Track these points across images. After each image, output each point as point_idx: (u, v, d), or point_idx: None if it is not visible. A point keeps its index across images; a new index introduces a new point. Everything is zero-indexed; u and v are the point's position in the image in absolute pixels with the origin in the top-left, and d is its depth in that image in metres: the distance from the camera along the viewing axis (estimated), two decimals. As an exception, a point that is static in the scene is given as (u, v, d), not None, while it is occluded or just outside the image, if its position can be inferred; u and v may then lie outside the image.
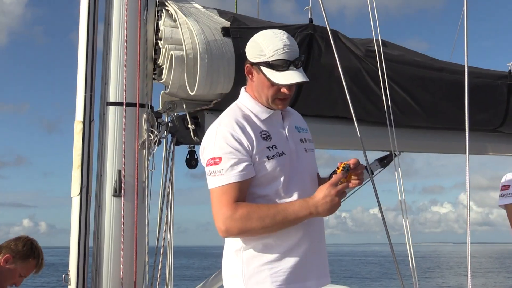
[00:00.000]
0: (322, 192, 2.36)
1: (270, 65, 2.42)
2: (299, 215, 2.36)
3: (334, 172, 2.43)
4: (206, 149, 2.46)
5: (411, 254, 3.56)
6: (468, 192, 2.41)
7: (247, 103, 2.54)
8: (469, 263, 2.22)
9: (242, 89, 2.61)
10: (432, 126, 4.62)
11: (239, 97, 2.60)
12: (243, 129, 2.41)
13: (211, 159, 2.40)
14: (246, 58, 2.57)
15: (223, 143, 2.39)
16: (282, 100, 2.50)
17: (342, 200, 2.39)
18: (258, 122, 2.48)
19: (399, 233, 3.72)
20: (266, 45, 2.44)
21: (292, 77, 2.42)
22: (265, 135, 2.46)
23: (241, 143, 2.38)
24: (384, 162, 4.56)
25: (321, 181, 2.63)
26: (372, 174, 4.48)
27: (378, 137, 4.09)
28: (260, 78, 2.48)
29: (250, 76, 2.54)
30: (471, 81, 4.51)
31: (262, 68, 2.44)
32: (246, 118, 2.48)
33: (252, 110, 2.51)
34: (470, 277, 2.29)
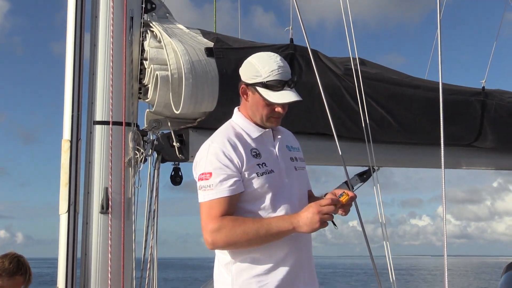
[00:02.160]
0: (307, 209, 2.45)
1: (266, 85, 2.54)
2: (281, 229, 2.43)
3: (339, 195, 2.50)
4: (198, 165, 2.56)
5: (391, 268, 3.68)
6: (444, 205, 2.53)
7: (239, 121, 2.65)
8: (446, 275, 2.33)
9: (235, 109, 2.71)
10: (410, 141, 4.76)
11: (233, 116, 2.70)
12: (234, 147, 2.51)
13: (202, 174, 2.50)
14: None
15: (214, 159, 2.49)
16: (276, 118, 2.62)
17: (323, 221, 2.42)
18: (249, 140, 2.58)
19: (378, 245, 3.83)
20: (261, 66, 2.56)
21: (287, 96, 2.54)
22: (255, 153, 2.55)
23: (231, 160, 2.48)
24: (363, 177, 4.69)
25: (313, 199, 2.72)
26: (352, 188, 4.61)
27: (357, 153, 4.21)
28: (255, 98, 2.58)
29: (245, 96, 2.64)
30: (446, 98, 4.67)
31: (258, 88, 2.55)
32: (238, 136, 2.58)
33: (244, 129, 2.62)
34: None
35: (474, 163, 5.27)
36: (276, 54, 2.63)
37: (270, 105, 2.56)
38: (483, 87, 5.09)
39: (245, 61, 2.63)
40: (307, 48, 3.71)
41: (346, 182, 4.31)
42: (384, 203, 3.87)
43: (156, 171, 3.88)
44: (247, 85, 2.60)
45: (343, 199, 2.48)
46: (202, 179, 2.50)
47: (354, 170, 4.78)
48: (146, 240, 3.83)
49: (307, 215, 2.41)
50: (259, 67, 2.56)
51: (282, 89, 2.54)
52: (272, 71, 2.53)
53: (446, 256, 2.45)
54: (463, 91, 4.99)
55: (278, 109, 2.58)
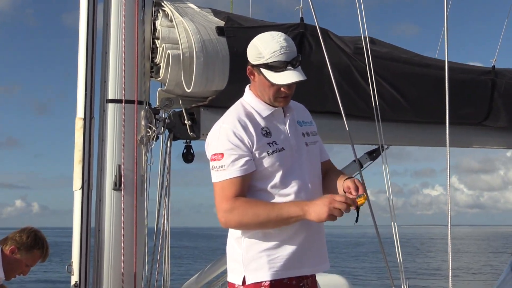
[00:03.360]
0: (322, 198, 2.48)
1: (269, 66, 2.55)
2: (291, 214, 2.47)
3: (358, 196, 2.50)
4: (210, 145, 2.61)
5: (396, 236, 3.74)
6: (448, 182, 2.58)
7: (250, 100, 2.68)
8: (450, 247, 2.38)
9: (247, 87, 2.74)
10: (419, 120, 4.79)
11: (244, 94, 2.73)
12: (244, 127, 2.55)
13: (214, 154, 2.55)
14: (241, 58, 2.71)
15: (225, 140, 2.53)
16: (284, 98, 2.64)
17: (331, 215, 2.43)
18: (259, 119, 2.62)
19: (389, 215, 3.90)
20: (263, 47, 2.57)
21: (289, 77, 2.55)
22: (265, 132, 2.59)
23: (242, 140, 2.52)
24: (373, 155, 4.72)
25: (332, 172, 2.77)
26: (362, 167, 4.65)
27: (367, 131, 4.25)
28: (260, 79, 2.61)
29: (252, 77, 2.67)
30: (456, 77, 4.70)
31: (262, 69, 2.57)
32: (249, 115, 2.62)
33: (255, 108, 2.65)
34: (450, 260, 2.46)
35: (484, 141, 5.29)
36: (280, 34, 2.61)
37: (275, 85, 2.58)
38: (493, 66, 5.09)
39: (250, 43, 2.64)
40: (316, 27, 3.74)
41: (355, 161, 4.35)
42: (397, 173, 4.00)
43: (168, 148, 3.94)
44: (253, 66, 2.62)
45: (360, 201, 2.48)
46: (214, 160, 2.55)
47: (364, 148, 4.82)
48: (158, 217, 3.90)
49: (319, 204, 2.44)
50: (261, 48, 2.56)
51: (285, 70, 2.54)
52: (274, 51, 2.53)
53: (450, 226, 2.50)
54: (473, 70, 5.01)
55: (284, 89, 2.59)
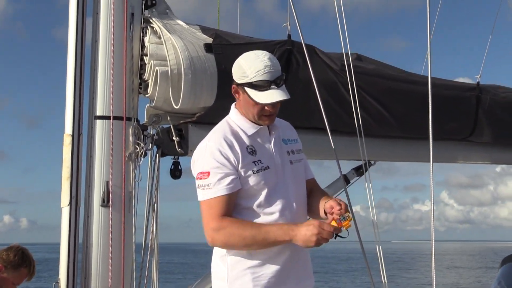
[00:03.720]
0: (308, 225, 2.47)
1: (253, 85, 2.57)
2: (278, 239, 2.49)
3: (342, 218, 2.50)
4: (196, 163, 2.62)
5: (379, 252, 3.77)
6: (432, 197, 2.61)
7: (235, 118, 2.70)
8: (433, 262, 2.40)
9: (233, 105, 2.76)
10: (405, 136, 4.84)
11: (230, 112, 2.75)
12: (230, 145, 2.57)
13: (200, 173, 2.56)
14: (229, 74, 2.73)
15: (211, 159, 2.55)
16: (268, 116, 2.66)
17: (319, 243, 2.45)
18: (245, 137, 2.64)
19: (381, 230, 3.95)
20: (248, 67, 2.59)
21: (273, 96, 2.56)
22: (251, 150, 2.61)
23: (228, 158, 2.54)
24: (360, 171, 4.75)
25: (316, 193, 2.79)
26: (349, 182, 4.69)
27: (354, 147, 4.28)
28: (245, 98, 2.63)
29: (237, 95, 2.69)
30: (441, 93, 4.76)
31: (246, 88, 2.59)
32: (234, 133, 2.63)
33: (240, 126, 2.67)
34: (434, 275, 2.48)
35: (469, 157, 5.35)
36: (265, 53, 2.63)
37: (259, 104, 2.59)
38: (478, 82, 5.17)
39: (235, 62, 2.66)
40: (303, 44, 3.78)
41: (343, 176, 4.39)
42: (387, 188, 4.06)
43: (156, 165, 3.96)
44: (237, 85, 2.64)
45: (346, 225, 2.49)
46: (200, 178, 2.56)
47: (353, 164, 4.85)
48: (146, 232, 3.91)
49: (306, 232, 2.44)
50: (246, 67, 2.58)
51: (269, 89, 2.55)
52: (258, 71, 2.55)
53: (433, 241, 2.53)
54: (458, 86, 5.08)
55: (268, 108, 2.61)
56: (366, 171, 4.39)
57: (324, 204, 2.64)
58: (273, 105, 2.61)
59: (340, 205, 2.55)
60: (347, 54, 4.28)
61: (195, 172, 2.61)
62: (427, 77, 4.84)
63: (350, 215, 2.51)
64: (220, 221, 2.51)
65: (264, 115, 2.64)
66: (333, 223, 2.47)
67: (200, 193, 2.58)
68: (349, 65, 4.22)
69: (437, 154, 3.16)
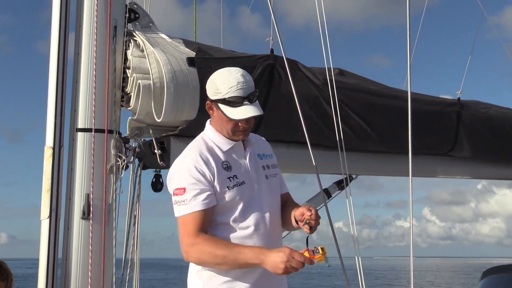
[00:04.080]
0: (279, 252, 2.44)
1: (226, 101, 2.59)
2: (248, 261, 2.48)
3: (313, 250, 2.47)
4: (172, 180, 2.64)
5: (359, 267, 3.79)
6: (411, 211, 2.63)
7: (210, 135, 2.72)
8: (412, 277, 2.42)
9: (208, 122, 2.79)
10: (386, 150, 4.87)
11: (205, 129, 2.77)
12: (206, 161, 2.59)
13: (177, 189, 2.59)
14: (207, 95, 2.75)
15: (187, 175, 2.56)
16: (242, 131, 2.68)
17: (287, 271, 2.42)
18: (220, 153, 2.66)
19: (364, 246, 3.88)
20: (221, 83, 2.60)
21: (246, 112, 2.58)
22: (226, 166, 2.64)
23: (203, 175, 2.56)
24: (341, 185, 4.78)
25: (290, 204, 2.80)
26: (330, 196, 4.71)
27: (335, 161, 4.30)
28: (219, 114, 2.65)
29: (211, 112, 2.72)
30: (422, 108, 4.81)
31: (219, 105, 2.62)
32: (210, 150, 2.65)
33: (215, 142, 2.69)
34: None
35: (449, 172, 5.40)
36: (238, 69, 2.64)
37: (232, 120, 2.61)
38: (459, 98, 5.22)
39: (209, 78, 2.68)
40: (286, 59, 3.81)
41: (324, 190, 4.41)
42: (370, 205, 4.04)
43: (137, 178, 3.95)
44: (211, 101, 2.66)
45: (318, 259, 2.45)
46: (176, 194, 2.58)
47: (335, 178, 4.87)
48: (126, 246, 3.89)
49: (276, 259, 2.42)
50: (219, 84, 2.60)
51: (242, 105, 2.57)
52: (231, 87, 2.57)
53: (412, 257, 2.55)
54: (439, 101, 5.13)
55: (241, 124, 2.63)
56: (347, 185, 4.41)
57: (295, 213, 2.65)
58: (246, 120, 2.63)
59: (310, 211, 2.58)
60: (329, 68, 4.32)
61: (171, 189, 2.63)
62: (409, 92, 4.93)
63: (326, 250, 2.46)
64: (194, 237, 2.52)
65: (238, 131, 2.66)
66: (306, 254, 2.45)
67: (176, 209, 2.59)
68: (331, 80, 4.26)
69: (417, 168, 3.19)
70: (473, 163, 5.40)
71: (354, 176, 4.72)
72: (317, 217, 2.59)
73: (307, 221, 2.57)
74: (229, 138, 2.70)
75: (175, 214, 2.60)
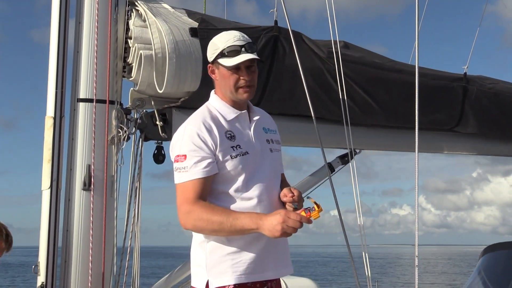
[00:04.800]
0: (275, 214, 2.42)
1: (224, 54, 2.60)
2: (245, 227, 2.45)
3: (309, 208, 2.46)
4: (174, 147, 2.61)
5: (365, 254, 3.76)
6: (416, 187, 2.59)
7: (215, 104, 2.69)
8: (416, 260, 2.39)
9: (212, 92, 2.76)
10: (390, 125, 4.82)
11: (209, 99, 2.74)
12: (209, 129, 2.56)
13: (177, 156, 2.56)
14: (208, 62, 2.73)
15: (189, 142, 2.54)
16: (245, 88, 2.63)
17: (285, 233, 2.39)
18: (224, 123, 2.63)
19: (359, 234, 3.87)
20: (218, 40, 2.65)
21: (243, 57, 2.58)
22: (230, 135, 2.60)
23: (205, 142, 2.53)
24: (345, 159, 4.74)
25: (284, 184, 2.78)
26: (334, 170, 4.67)
27: (339, 135, 4.26)
28: (220, 72, 2.64)
29: (213, 76, 2.70)
30: (428, 83, 4.74)
31: (219, 60, 2.62)
32: (214, 118, 2.62)
33: (220, 111, 2.66)
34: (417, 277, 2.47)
35: (454, 147, 5.35)
36: (237, 31, 2.68)
37: (234, 73, 2.60)
38: (465, 73, 5.15)
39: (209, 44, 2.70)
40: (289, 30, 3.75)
41: (328, 164, 4.37)
42: (365, 193, 3.97)
43: (139, 149, 3.92)
44: (212, 63, 2.67)
45: (314, 216, 2.44)
46: (177, 161, 2.56)
47: (339, 152, 4.83)
48: (128, 217, 3.88)
49: (272, 221, 2.40)
50: (217, 41, 2.64)
51: (240, 53, 2.59)
52: (228, 40, 2.61)
53: (417, 230, 2.52)
54: (445, 76, 5.05)
55: (243, 77, 2.60)
56: (352, 158, 4.37)
57: (280, 194, 2.66)
58: (247, 72, 2.61)
59: (292, 192, 2.61)
60: (335, 41, 4.26)
61: (173, 156, 2.60)
62: (414, 66, 4.86)
63: (321, 206, 2.45)
64: (192, 204, 2.50)
65: (240, 87, 2.63)
66: (302, 213, 2.43)
67: (176, 176, 2.56)
68: (337, 53, 4.19)
69: (422, 144, 3.15)
70: (478, 139, 5.35)
71: (357, 150, 4.68)
72: (300, 199, 2.62)
73: (292, 202, 2.59)
74: (234, 108, 2.66)
75: (175, 181, 2.57)
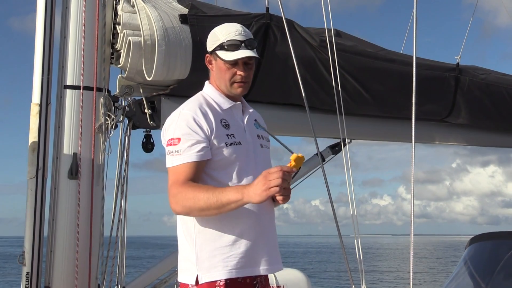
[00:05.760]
0: (257, 179, 2.37)
1: (224, 47, 2.56)
2: (231, 199, 2.39)
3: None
4: (167, 130, 2.56)
5: (358, 245, 3.73)
6: (413, 179, 2.55)
7: (210, 93, 2.66)
8: (412, 249, 2.35)
9: (206, 82, 2.72)
10: (382, 115, 4.78)
11: (204, 88, 2.71)
12: (204, 114, 2.52)
13: (171, 139, 2.51)
14: (203, 45, 2.71)
15: (184, 125, 2.49)
16: (240, 83, 2.60)
17: (270, 188, 2.32)
18: (219, 111, 2.60)
19: (341, 224, 3.82)
20: (220, 32, 2.60)
21: (242, 53, 2.56)
22: (225, 123, 2.57)
23: (201, 127, 2.49)
24: (335, 149, 4.70)
25: None
26: (324, 160, 4.62)
27: (330, 125, 4.21)
28: (217, 64, 2.61)
29: (210, 66, 2.66)
30: (421, 73, 4.69)
31: (218, 52, 2.58)
32: (209, 105, 2.59)
33: (215, 100, 2.63)
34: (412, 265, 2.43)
35: (446, 138, 5.32)
36: (239, 24, 2.65)
37: (231, 68, 2.57)
38: (458, 63, 5.11)
39: (210, 32, 2.66)
40: (282, 18, 3.69)
41: (317, 154, 4.32)
42: (345, 183, 3.88)
43: (126, 137, 3.85)
44: (210, 53, 2.63)
45: (292, 163, 2.34)
46: (170, 144, 2.51)
47: (327, 142, 4.79)
48: (115, 207, 3.82)
49: (256, 185, 2.35)
50: (218, 33, 2.60)
51: (239, 48, 2.56)
52: (229, 33, 2.57)
53: (412, 220, 2.48)
54: (438, 66, 5.01)
55: (239, 73, 2.58)
56: (344, 146, 4.32)
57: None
58: (244, 68, 2.58)
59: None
60: (329, 29, 4.20)
61: (165, 140, 2.55)
62: (407, 56, 4.81)
63: (300, 155, 2.36)
64: (180, 186, 2.45)
65: (236, 82, 2.60)
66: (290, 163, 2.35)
67: (169, 159, 2.51)
68: (331, 42, 4.13)
69: (411, 134, 3.09)
70: (470, 129, 5.33)
71: (348, 140, 4.64)
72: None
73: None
74: (228, 98, 2.64)
75: (167, 165, 2.51)
